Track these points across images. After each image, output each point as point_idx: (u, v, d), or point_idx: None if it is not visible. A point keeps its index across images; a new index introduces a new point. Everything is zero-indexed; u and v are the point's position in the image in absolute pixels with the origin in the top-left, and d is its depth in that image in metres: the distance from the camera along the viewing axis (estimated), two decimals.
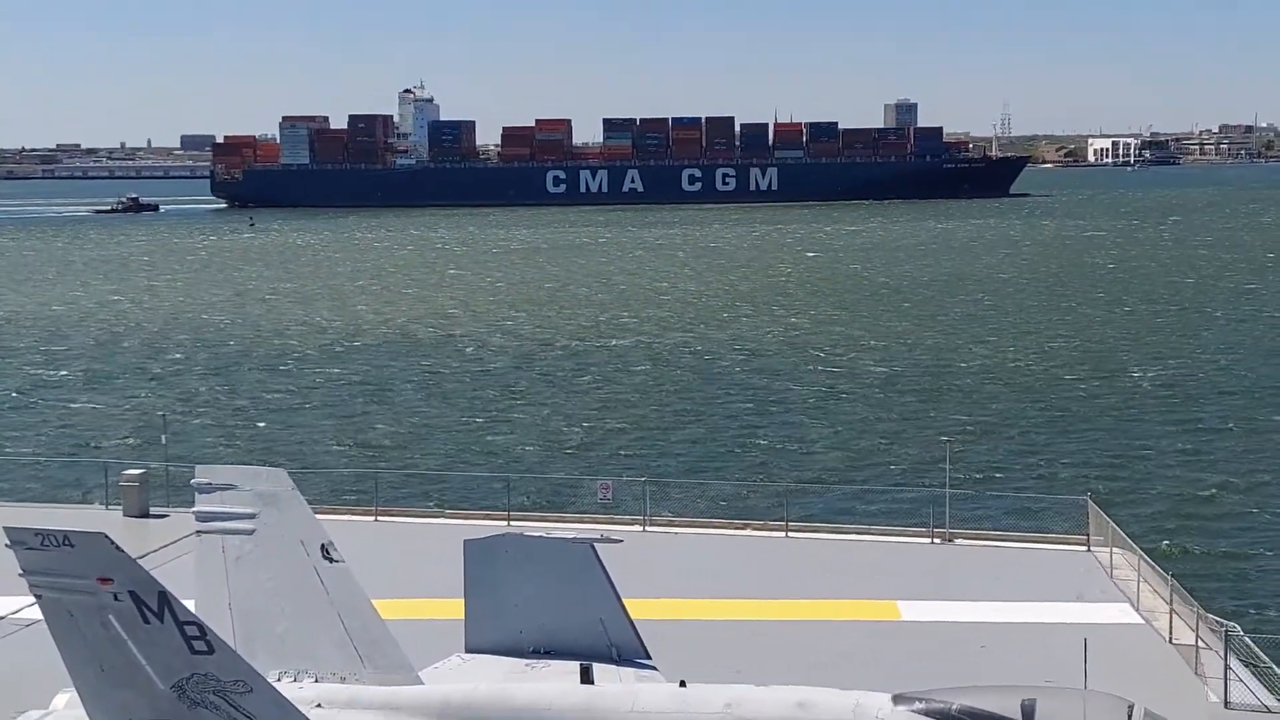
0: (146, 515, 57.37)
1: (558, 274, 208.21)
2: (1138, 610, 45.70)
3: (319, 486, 69.89)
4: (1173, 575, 44.51)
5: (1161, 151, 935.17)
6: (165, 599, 23.36)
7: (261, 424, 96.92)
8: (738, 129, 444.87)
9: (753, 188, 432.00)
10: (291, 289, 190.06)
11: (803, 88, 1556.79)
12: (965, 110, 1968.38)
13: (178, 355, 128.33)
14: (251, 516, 29.11)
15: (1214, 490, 74.74)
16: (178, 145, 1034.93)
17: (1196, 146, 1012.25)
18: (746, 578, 49.87)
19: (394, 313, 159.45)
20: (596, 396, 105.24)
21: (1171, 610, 43.55)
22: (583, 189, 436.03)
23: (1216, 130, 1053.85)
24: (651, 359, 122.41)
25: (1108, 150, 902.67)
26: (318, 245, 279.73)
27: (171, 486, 59.89)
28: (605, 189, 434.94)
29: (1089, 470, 79.11)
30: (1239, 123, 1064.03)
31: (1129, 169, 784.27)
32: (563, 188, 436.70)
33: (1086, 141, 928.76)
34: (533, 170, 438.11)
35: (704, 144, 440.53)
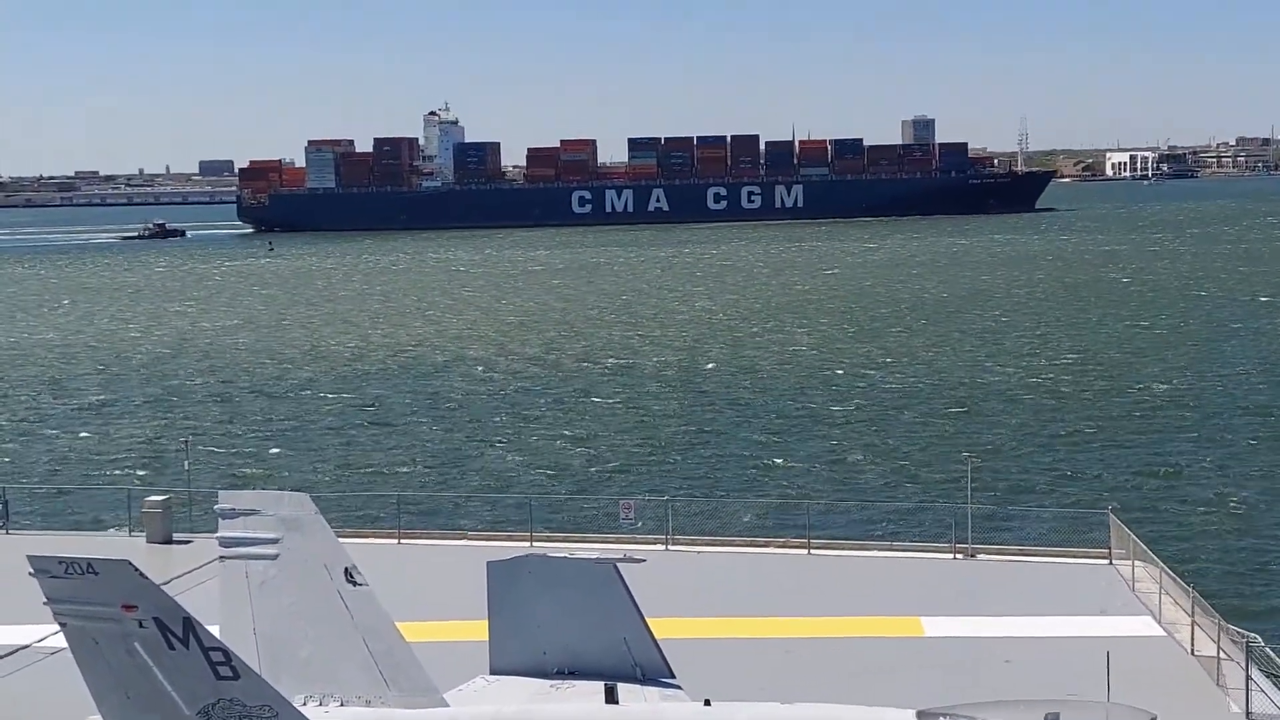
0: (170, 541, 57.49)
1: (574, 295, 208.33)
2: (1160, 623, 45.67)
3: (342, 510, 70.08)
4: (1194, 587, 44.47)
5: (1179, 165, 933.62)
6: (190, 625, 23.50)
7: (283, 449, 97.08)
8: (762, 147, 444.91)
9: (778, 205, 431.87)
10: (306, 314, 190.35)
11: (819, 105, 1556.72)
12: (983, 126, 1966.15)
13: (195, 381, 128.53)
14: (275, 541, 29.24)
15: (1235, 503, 74.61)
16: (196, 171, 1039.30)
17: (1214, 159, 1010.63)
18: (770, 596, 49.90)
19: (410, 337, 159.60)
20: (616, 417, 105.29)
21: (1193, 622, 43.53)
22: (608, 209, 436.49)
23: (1234, 143, 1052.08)
24: (670, 379, 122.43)
25: (1125, 164, 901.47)
26: (334, 269, 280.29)
27: (194, 512, 60.10)
28: (631, 208, 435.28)
29: (1110, 484, 78.98)
30: (1256, 135, 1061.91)
31: (1146, 183, 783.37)
32: (588, 208, 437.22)
33: (1104, 156, 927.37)
34: (558, 190, 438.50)
35: (729, 162, 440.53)
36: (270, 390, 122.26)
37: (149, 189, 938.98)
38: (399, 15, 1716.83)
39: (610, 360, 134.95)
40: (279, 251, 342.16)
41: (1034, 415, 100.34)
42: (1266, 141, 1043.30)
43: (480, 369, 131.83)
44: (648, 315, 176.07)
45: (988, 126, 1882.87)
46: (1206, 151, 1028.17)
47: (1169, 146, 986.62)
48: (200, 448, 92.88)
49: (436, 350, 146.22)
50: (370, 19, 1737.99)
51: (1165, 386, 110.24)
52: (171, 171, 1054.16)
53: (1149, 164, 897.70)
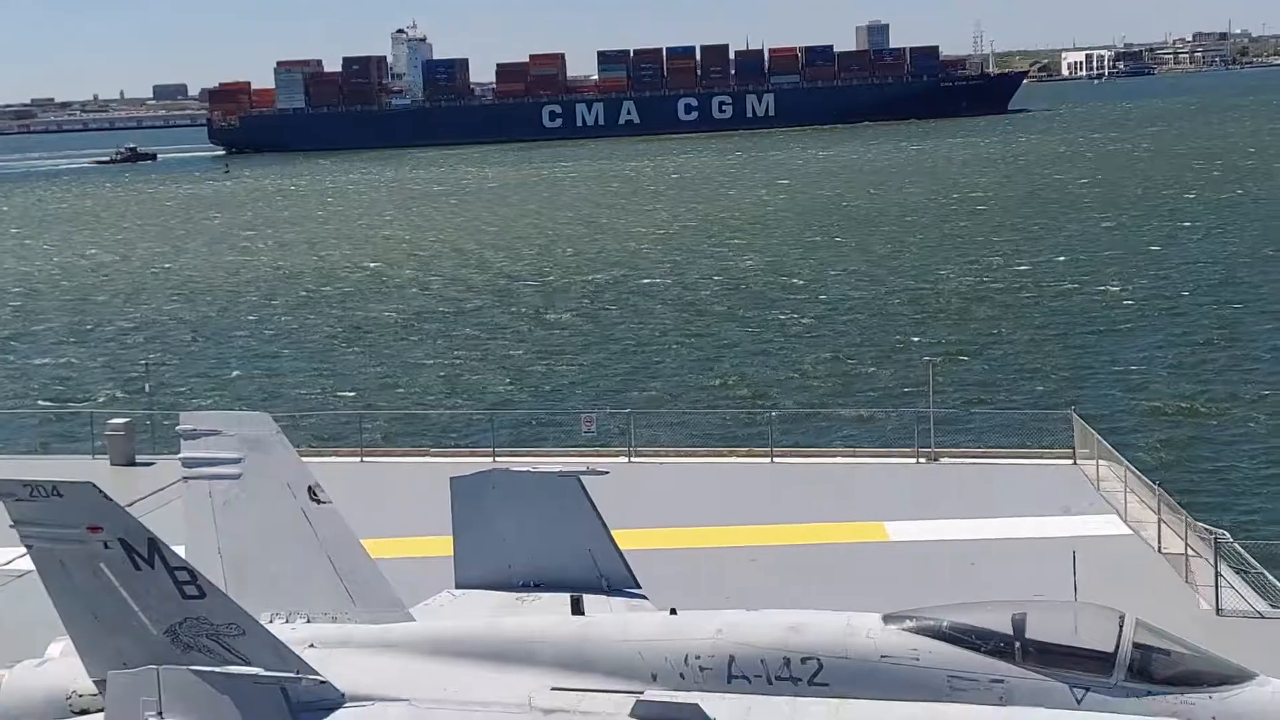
0: (133, 464, 57.31)
1: (534, 210, 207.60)
2: (1126, 521, 45.93)
3: (304, 429, 69.91)
4: (1160, 485, 44.69)
5: (1135, 63, 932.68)
6: (155, 545, 23.43)
7: (243, 370, 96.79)
8: (732, 56, 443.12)
9: (750, 115, 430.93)
10: (259, 236, 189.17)
11: (774, 12, 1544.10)
12: (938, 29, 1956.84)
13: (153, 306, 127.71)
14: (237, 461, 29.17)
15: (1198, 401, 75.06)
16: (150, 95, 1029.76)
17: (1171, 56, 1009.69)
18: (733, 505, 50.01)
19: (366, 256, 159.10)
20: (575, 332, 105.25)
21: (1160, 520, 43.77)
22: (579, 123, 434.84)
23: (1191, 39, 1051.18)
24: (627, 293, 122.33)
25: (1081, 64, 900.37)
26: (290, 190, 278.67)
27: (157, 434, 59.91)
28: (602, 122, 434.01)
29: (1073, 385, 79.38)
30: (1213, 30, 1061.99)
31: (1095, 82, 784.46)
32: (559, 122, 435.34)
33: (1060, 56, 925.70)
34: (528, 106, 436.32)
35: (699, 73, 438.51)
36: (228, 313, 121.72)
37: (104, 115, 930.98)
38: None
39: (568, 276, 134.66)
40: (235, 173, 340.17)
41: (994, 319, 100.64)
42: (1224, 36, 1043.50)
43: (435, 288, 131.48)
44: (606, 230, 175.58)
45: (943, 30, 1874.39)
46: (1163, 48, 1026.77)
47: (1125, 44, 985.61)
48: (161, 371, 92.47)
49: (391, 271, 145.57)
50: None
51: (1124, 287, 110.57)
52: (126, 96, 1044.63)
53: (1105, 62, 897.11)
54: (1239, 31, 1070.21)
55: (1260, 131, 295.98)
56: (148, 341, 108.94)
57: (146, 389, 68.61)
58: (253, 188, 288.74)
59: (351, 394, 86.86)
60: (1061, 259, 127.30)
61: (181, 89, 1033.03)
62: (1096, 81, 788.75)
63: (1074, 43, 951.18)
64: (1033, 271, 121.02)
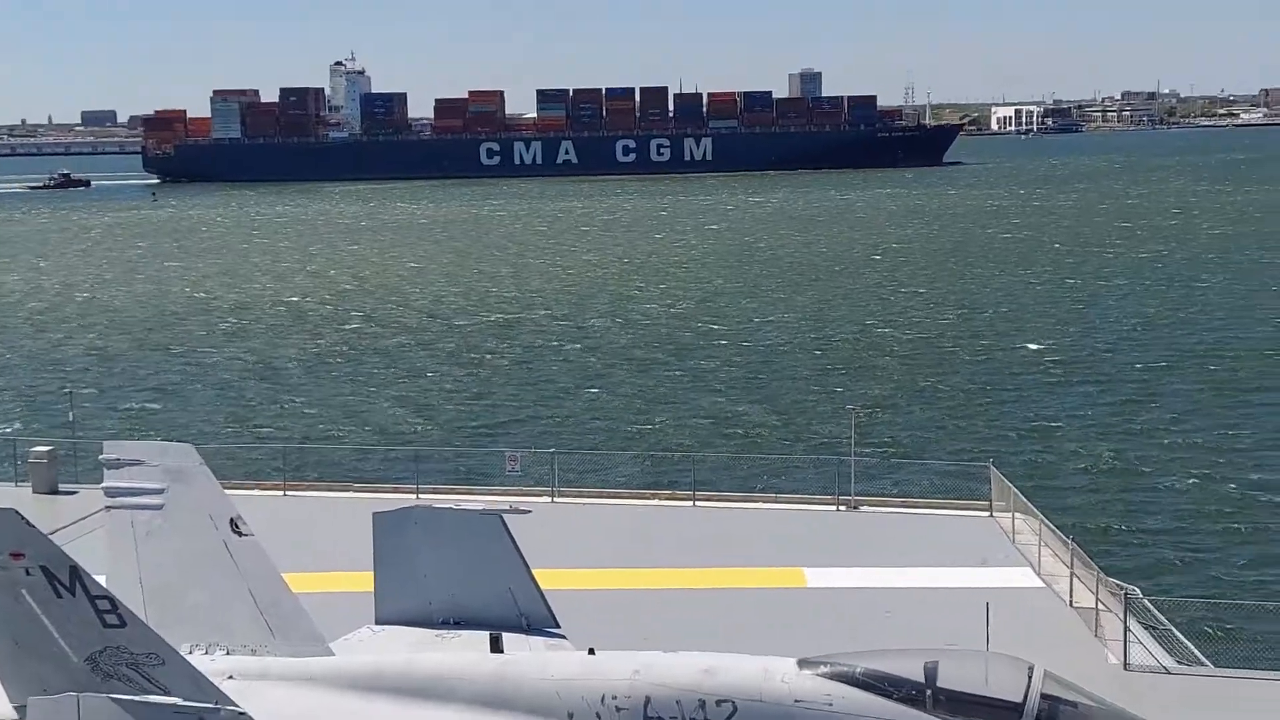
0: (56, 492, 57.04)
1: (462, 248, 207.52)
2: (1039, 574, 46.60)
3: (227, 461, 69.63)
4: (1073, 539, 45.35)
5: (1064, 119, 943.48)
6: (76, 573, 23.53)
7: (168, 401, 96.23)
8: (671, 99, 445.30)
9: (688, 158, 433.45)
10: (184, 266, 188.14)
11: (707, 59, 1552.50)
12: (869, 80, 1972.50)
13: (76, 334, 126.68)
14: (160, 491, 29.25)
15: (1115, 458, 75.97)
16: (79, 121, 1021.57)
17: (1099, 113, 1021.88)
18: (654, 547, 50.32)
19: (289, 290, 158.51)
20: (502, 371, 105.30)
21: (1072, 574, 44.42)
22: (517, 161, 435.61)
23: (1119, 97, 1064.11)
24: (555, 333, 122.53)
25: (1010, 119, 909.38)
26: (216, 221, 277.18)
27: (80, 463, 59.56)
28: (540, 161, 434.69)
29: (992, 438, 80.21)
30: (1142, 89, 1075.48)
31: (1022, 137, 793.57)
32: (497, 159, 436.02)
33: (990, 110, 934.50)
34: (466, 142, 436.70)
35: (638, 115, 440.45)
36: (153, 343, 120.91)
37: (32, 140, 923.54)
38: None
39: (495, 315, 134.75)
40: (162, 202, 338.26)
41: (917, 370, 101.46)
42: (1152, 96, 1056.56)
43: (361, 324, 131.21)
44: (532, 270, 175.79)
45: (875, 81, 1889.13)
46: (1092, 106, 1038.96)
47: (1054, 101, 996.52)
48: (85, 400, 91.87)
49: (315, 306, 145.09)
50: None
51: (1045, 344, 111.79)
52: (54, 122, 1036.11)
53: (1034, 118, 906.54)
54: (1167, 92, 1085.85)
55: (1184, 192, 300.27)
56: (71, 369, 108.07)
57: (70, 417, 68.17)
58: (178, 217, 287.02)
59: (276, 428, 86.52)
60: (986, 313, 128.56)
61: (110, 115, 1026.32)
62: (1024, 137, 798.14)
63: (1004, 98, 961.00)
64: (956, 324, 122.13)
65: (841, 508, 54.49)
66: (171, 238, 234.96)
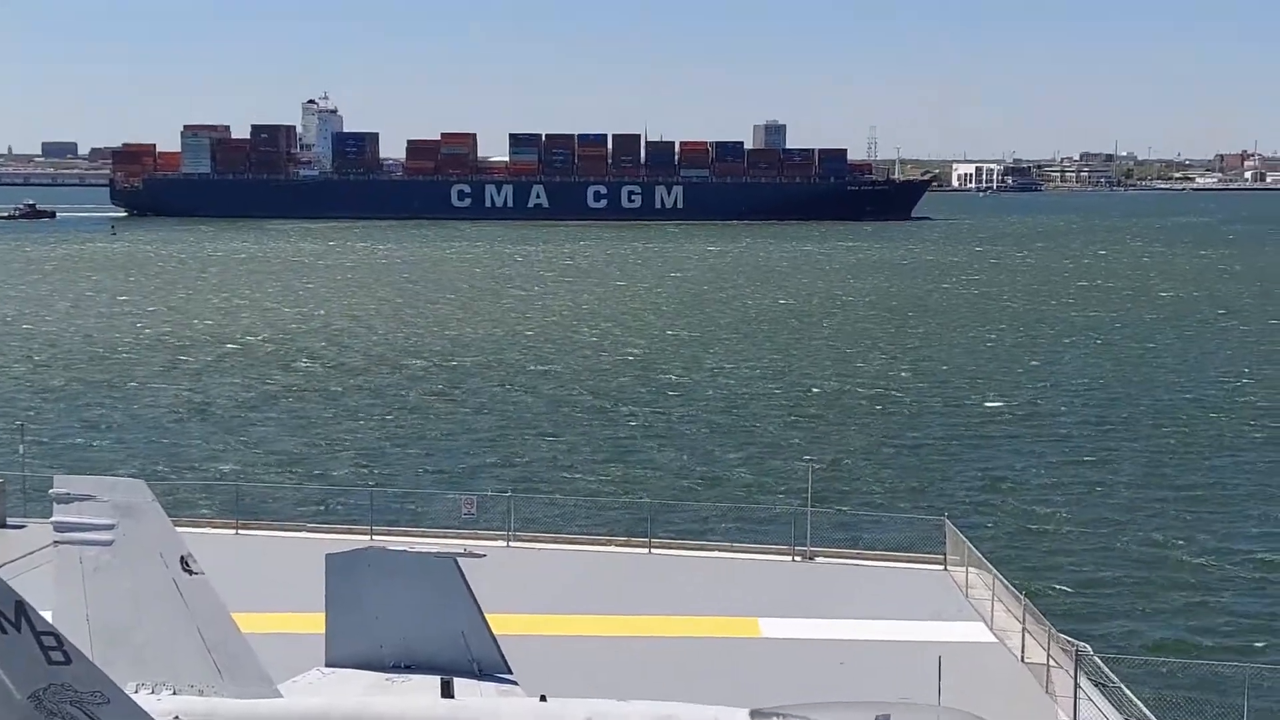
0: (3, 525, 56.42)
1: (420, 290, 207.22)
2: (991, 629, 46.64)
3: (179, 498, 69.13)
4: (1026, 595, 45.44)
5: (1024, 178, 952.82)
6: (22, 609, 23.18)
7: (120, 436, 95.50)
8: (644, 147, 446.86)
9: (658, 206, 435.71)
10: (140, 300, 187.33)
11: (677, 108, 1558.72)
12: (834, 133, 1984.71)
13: (27, 367, 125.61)
14: (110, 527, 28.88)
15: (1067, 514, 76.16)
16: (39, 152, 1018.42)
17: (1058, 173, 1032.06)
18: (609, 594, 50.18)
19: (245, 327, 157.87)
20: (457, 414, 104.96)
21: (1024, 630, 44.48)
22: (488, 204, 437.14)
23: (1078, 158, 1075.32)
24: (512, 378, 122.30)
25: (971, 176, 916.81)
26: (174, 256, 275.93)
27: (29, 496, 58.97)
28: (511, 204, 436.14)
29: (947, 492, 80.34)
30: (1100, 150, 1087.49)
31: (981, 194, 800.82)
32: (468, 202, 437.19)
33: (951, 167, 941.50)
34: (437, 184, 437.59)
35: (610, 161, 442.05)
36: (106, 378, 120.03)
37: None
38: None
39: (453, 357, 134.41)
40: (121, 236, 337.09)
41: (875, 423, 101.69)
42: (1110, 157, 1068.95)
43: (318, 363, 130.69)
44: (494, 313, 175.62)
45: (838, 134, 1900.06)
46: (1051, 165, 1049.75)
47: (1014, 159, 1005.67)
48: (36, 432, 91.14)
49: (272, 343, 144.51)
50: (245, 4, 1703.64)
51: (1002, 400, 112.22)
52: (13, 152, 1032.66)
53: (994, 176, 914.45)
54: (1125, 154, 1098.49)
55: (1140, 253, 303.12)
56: (20, 403, 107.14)
57: (20, 450, 67.51)
58: (134, 252, 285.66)
59: (229, 465, 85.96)
60: (944, 368, 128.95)
61: (71, 147, 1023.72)
62: (983, 194, 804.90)
63: (965, 154, 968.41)
64: (915, 379, 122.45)
65: (797, 558, 54.48)
66: (125, 272, 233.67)
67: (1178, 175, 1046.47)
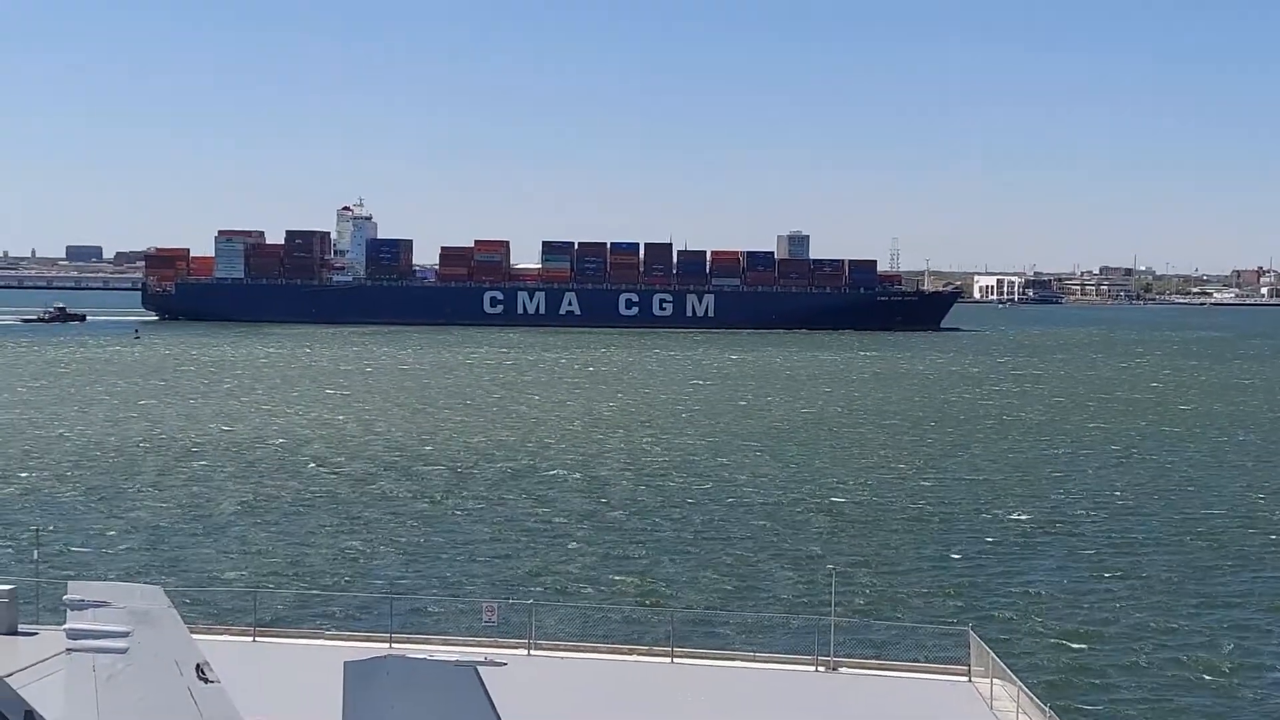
0: (15, 633, 55.86)
1: (439, 396, 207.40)
2: None
3: (196, 605, 68.76)
4: (1050, 708, 44.77)
5: (1044, 291, 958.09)
6: (31, 718, 22.75)
7: (135, 541, 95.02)
8: (675, 255, 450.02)
9: (689, 314, 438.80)
10: (156, 404, 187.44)
11: (700, 219, 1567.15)
12: (857, 243, 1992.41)
13: (43, 472, 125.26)
14: (125, 635, 28.47)
15: (1092, 626, 75.33)
16: (63, 255, 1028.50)
17: (1078, 287, 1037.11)
18: (631, 704, 49.50)
19: (262, 431, 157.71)
20: (480, 518, 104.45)
21: None
22: (520, 310, 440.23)
23: (1097, 271, 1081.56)
24: (535, 482, 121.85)
25: (992, 288, 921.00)
26: (198, 359, 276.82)
27: (42, 603, 58.51)
28: (543, 311, 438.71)
29: (971, 603, 79.54)
30: (1119, 265, 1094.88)
31: (1000, 306, 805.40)
32: (500, 308, 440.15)
33: (972, 278, 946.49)
34: (470, 290, 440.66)
35: (641, 269, 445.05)
36: (121, 482, 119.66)
37: (14, 273, 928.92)
38: (310, 110, 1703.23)
39: (473, 462, 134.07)
40: (145, 340, 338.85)
41: (897, 532, 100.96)
42: (1129, 272, 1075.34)
43: (338, 466, 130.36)
44: (515, 418, 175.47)
45: (860, 244, 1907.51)
46: (1071, 279, 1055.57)
47: (1034, 272, 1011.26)
48: (51, 537, 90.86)
49: (289, 446, 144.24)
50: (278, 114, 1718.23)
51: (1025, 511, 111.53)
52: (37, 255, 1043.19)
53: (1015, 288, 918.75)
54: (1143, 268, 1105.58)
55: (1161, 366, 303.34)
56: (36, 507, 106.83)
57: (35, 555, 67.17)
58: (157, 355, 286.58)
59: (245, 571, 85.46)
60: (967, 477, 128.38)
61: (96, 251, 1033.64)
62: (1002, 306, 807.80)
63: (986, 267, 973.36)
64: (938, 487, 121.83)
65: (821, 668, 53.81)
66: (143, 376, 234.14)
67: (1195, 290, 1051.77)
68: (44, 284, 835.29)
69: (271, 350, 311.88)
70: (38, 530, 77.15)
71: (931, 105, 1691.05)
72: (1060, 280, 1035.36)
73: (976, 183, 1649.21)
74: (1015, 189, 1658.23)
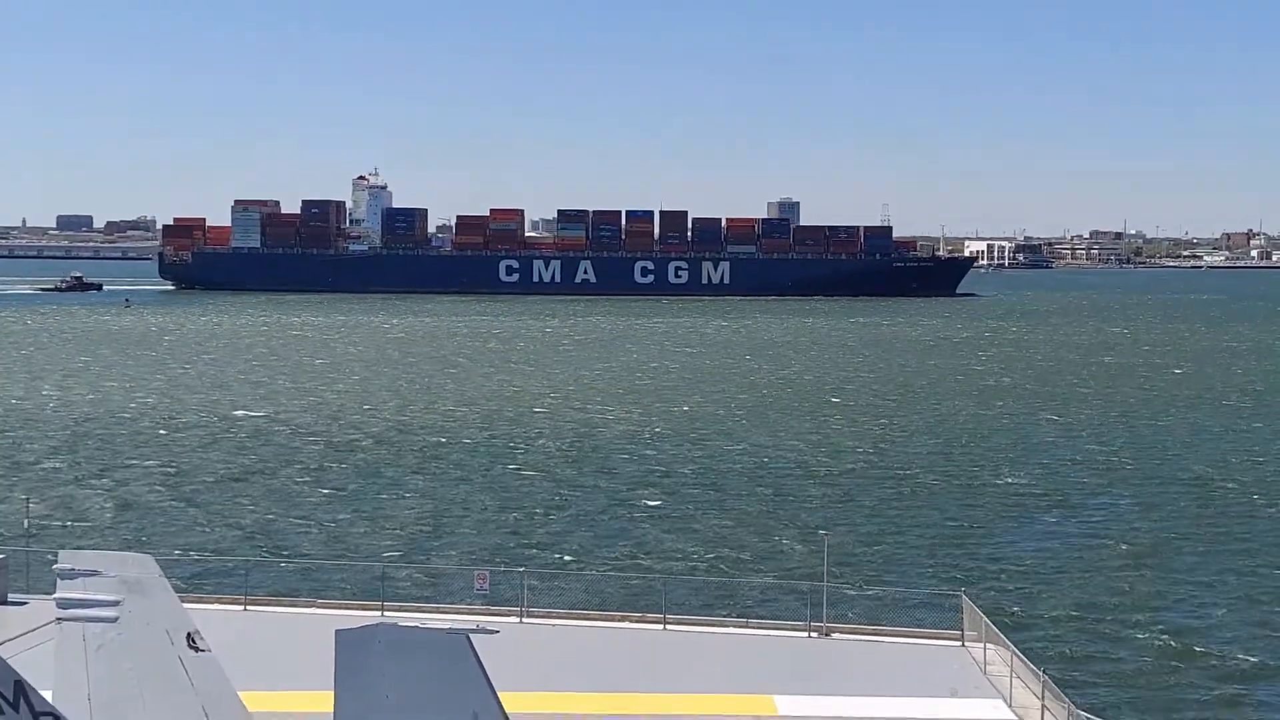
0: (5, 602, 55.78)
1: (437, 360, 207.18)
2: (1010, 706, 45.94)
3: (186, 573, 68.71)
4: (1045, 671, 44.80)
5: (1034, 255, 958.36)
6: (21, 688, 22.67)
7: (127, 510, 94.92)
8: (690, 223, 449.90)
9: (705, 281, 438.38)
10: (147, 374, 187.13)
11: (687, 184, 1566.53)
12: (847, 209, 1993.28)
13: (32, 441, 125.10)
14: (115, 604, 28.34)
15: (1086, 590, 75.43)
16: (53, 225, 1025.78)
17: (1069, 251, 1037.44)
18: (624, 671, 49.53)
19: (255, 400, 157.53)
20: (473, 485, 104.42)
21: (1044, 706, 44.03)
22: (535, 279, 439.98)
23: (1088, 236, 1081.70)
24: (527, 448, 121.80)
25: (983, 253, 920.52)
26: (190, 329, 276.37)
27: (33, 572, 58.41)
28: (559, 279, 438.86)
29: (964, 567, 79.59)
30: (1109, 229, 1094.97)
31: (983, 270, 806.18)
32: (515, 277, 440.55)
33: (963, 244, 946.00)
34: (485, 259, 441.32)
35: (657, 237, 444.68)
36: (113, 450, 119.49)
37: (4, 242, 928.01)
38: (325, 80, 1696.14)
39: (466, 428, 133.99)
40: (136, 309, 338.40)
41: (890, 498, 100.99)
42: (1119, 235, 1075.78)
43: (329, 435, 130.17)
44: (507, 384, 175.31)
45: (849, 211, 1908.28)
46: (1062, 243, 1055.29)
47: (1024, 237, 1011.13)
48: (42, 506, 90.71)
49: (282, 415, 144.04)
50: (293, 86, 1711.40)
51: (1019, 476, 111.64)
52: (28, 224, 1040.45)
53: (1005, 253, 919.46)
54: (1133, 232, 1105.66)
55: (1151, 329, 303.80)
56: (25, 476, 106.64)
57: (25, 524, 67.04)
58: (148, 324, 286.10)
59: (237, 539, 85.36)
60: (961, 442, 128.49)
61: (87, 220, 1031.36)
62: (984, 271, 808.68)
63: (976, 232, 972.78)
64: (932, 453, 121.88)
65: (814, 634, 53.83)
66: (130, 346, 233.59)
67: (1185, 254, 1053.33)
68: (34, 254, 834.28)
69: (255, 317, 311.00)
70: (28, 499, 76.89)
71: (922, 76, 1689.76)
72: (1051, 245, 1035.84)
73: (966, 150, 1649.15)
74: (1004, 154, 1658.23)
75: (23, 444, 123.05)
